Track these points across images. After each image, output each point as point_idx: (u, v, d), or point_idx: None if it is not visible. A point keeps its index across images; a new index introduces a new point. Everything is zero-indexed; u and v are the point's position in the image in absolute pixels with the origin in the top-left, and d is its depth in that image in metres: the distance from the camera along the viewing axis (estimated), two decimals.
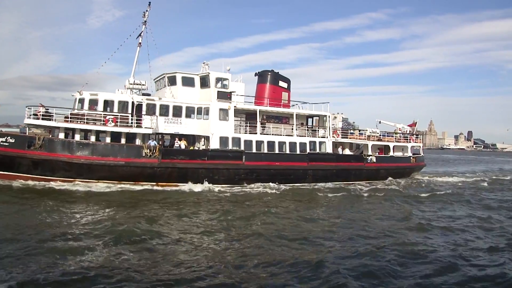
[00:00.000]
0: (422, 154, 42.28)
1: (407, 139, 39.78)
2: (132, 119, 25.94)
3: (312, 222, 18.26)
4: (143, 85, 28.16)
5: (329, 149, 32.58)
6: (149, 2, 30.13)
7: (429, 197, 27.15)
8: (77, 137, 25.53)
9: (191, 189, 24.88)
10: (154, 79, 32.05)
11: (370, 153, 35.02)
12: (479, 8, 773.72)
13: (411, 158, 39.02)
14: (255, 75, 34.37)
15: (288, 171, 29.57)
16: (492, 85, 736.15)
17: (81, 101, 26.48)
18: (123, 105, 26.50)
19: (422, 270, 11.85)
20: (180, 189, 24.95)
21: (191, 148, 28.49)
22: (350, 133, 36.67)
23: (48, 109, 25.84)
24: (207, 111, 28.15)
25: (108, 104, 26.43)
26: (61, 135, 25.62)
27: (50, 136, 26.70)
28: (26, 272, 10.33)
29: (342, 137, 34.52)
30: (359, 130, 38.85)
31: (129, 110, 26.39)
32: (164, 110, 27.47)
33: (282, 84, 33.97)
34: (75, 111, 26.04)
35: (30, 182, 23.75)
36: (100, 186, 24.11)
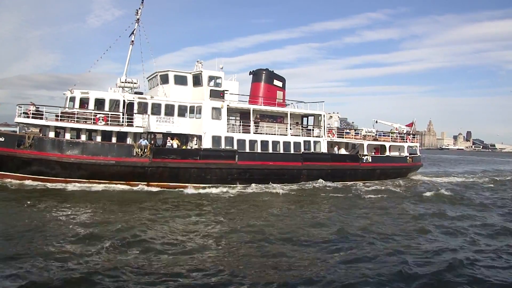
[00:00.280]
0: (419, 154, 41.96)
1: (404, 139, 39.44)
2: (123, 118, 25.59)
3: (310, 223, 18.00)
4: (135, 83, 27.78)
5: (323, 148, 32.23)
6: (142, 0, 29.78)
7: (424, 197, 26.79)
8: (68, 136, 25.18)
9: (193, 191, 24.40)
10: (147, 78, 31.70)
11: (365, 152, 34.69)
12: (479, 8, 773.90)
13: (408, 158, 38.68)
14: (249, 74, 34.05)
15: (282, 171, 29.20)
16: (492, 86, 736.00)
17: (72, 99, 26.17)
18: (114, 103, 26.16)
19: (426, 272, 11.57)
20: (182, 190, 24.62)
21: (184, 147, 28.14)
22: (346, 132, 36.31)
23: (38, 108, 25.51)
24: (199, 110, 27.78)
25: (99, 102, 26.08)
26: (51, 134, 25.24)
27: (41, 135, 26.36)
28: (18, 274, 10.10)
29: (338, 137, 34.19)
30: (355, 130, 38.53)
31: (121, 109, 26.05)
32: (156, 109, 27.13)
33: (277, 83, 33.63)
34: (66, 110, 25.71)
35: (20, 182, 23.40)
36: (90, 186, 23.81)
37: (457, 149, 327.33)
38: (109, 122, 25.08)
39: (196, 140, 28.35)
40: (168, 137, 27.62)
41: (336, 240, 14.87)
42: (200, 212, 19.29)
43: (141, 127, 25.79)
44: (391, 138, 38.34)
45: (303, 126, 34.09)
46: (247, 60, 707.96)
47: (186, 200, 22.01)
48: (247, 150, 28.24)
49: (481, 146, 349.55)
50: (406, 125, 42.71)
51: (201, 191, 24.61)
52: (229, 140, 27.86)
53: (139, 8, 29.92)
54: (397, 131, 40.51)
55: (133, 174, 24.85)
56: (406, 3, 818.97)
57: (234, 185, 26.84)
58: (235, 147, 27.79)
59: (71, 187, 23.43)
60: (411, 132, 41.81)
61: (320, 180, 30.00)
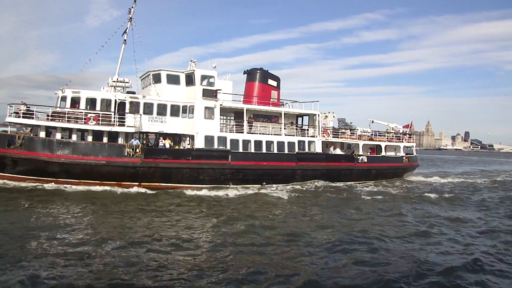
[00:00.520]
0: (415, 154, 41.69)
1: (400, 139, 39.17)
2: (114, 118, 25.28)
3: (309, 224, 17.79)
4: (127, 82, 27.44)
5: (318, 148, 31.95)
6: None
7: (421, 198, 26.58)
8: (59, 135, 24.86)
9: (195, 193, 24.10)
10: (140, 77, 31.38)
11: (361, 152, 34.43)
12: (477, 9, 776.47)
13: (404, 158, 38.41)
14: (244, 73, 33.75)
15: (276, 171, 28.90)
16: (490, 86, 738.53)
17: (64, 99, 25.88)
18: (105, 103, 25.85)
19: (427, 276, 11.33)
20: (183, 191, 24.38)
21: (176, 147, 27.83)
22: (341, 132, 36.03)
23: (29, 107, 25.21)
24: (192, 110, 27.44)
25: (90, 102, 25.77)
26: (42, 134, 24.92)
27: (32, 134, 26.05)
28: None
29: (333, 137, 33.91)
30: (350, 130, 38.26)
31: (112, 108, 25.73)
32: (148, 109, 26.79)
33: (272, 82, 33.33)
34: (58, 109, 25.42)
35: (10, 182, 23.11)
36: (80, 186, 23.48)
37: (455, 149, 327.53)
38: (100, 122, 24.76)
39: (189, 140, 28.03)
40: (161, 137, 27.30)
41: (337, 241, 14.65)
42: (199, 214, 19.05)
43: (132, 126, 25.47)
44: (387, 138, 38.05)
45: (298, 126, 33.74)
46: (245, 60, 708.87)
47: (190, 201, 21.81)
48: (241, 150, 27.92)
49: (479, 147, 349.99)
50: (403, 126, 42.39)
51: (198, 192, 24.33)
52: (222, 140, 27.54)
53: (132, 7, 29.60)
54: (393, 131, 40.23)
55: (124, 174, 24.53)
56: (404, 3, 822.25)
57: (228, 186, 26.57)
58: (228, 147, 27.46)
59: (61, 187, 23.09)
60: (408, 133, 41.47)
61: (317, 181, 29.73)
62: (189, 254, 12.53)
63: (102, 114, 25.02)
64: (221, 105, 28.22)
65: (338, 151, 34.63)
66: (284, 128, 31.01)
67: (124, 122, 25.42)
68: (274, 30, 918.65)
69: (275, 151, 29.51)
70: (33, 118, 24.54)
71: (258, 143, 28.81)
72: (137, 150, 24.59)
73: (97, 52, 29.30)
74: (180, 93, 28.51)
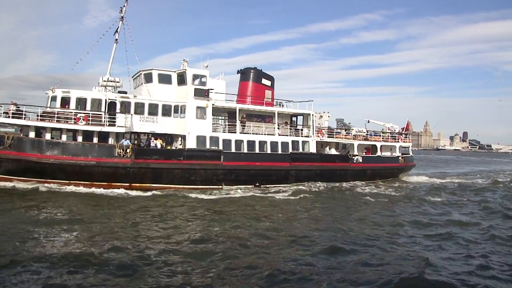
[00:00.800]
0: (411, 154, 41.41)
1: (395, 139, 38.86)
2: (105, 118, 24.93)
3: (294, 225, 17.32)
4: (118, 82, 27.12)
5: (312, 148, 31.62)
6: None
7: (415, 199, 26.30)
8: (48, 136, 24.50)
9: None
10: (132, 77, 31.03)
11: (356, 152, 34.11)
12: (475, 9, 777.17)
13: (400, 158, 38.11)
14: (237, 73, 33.46)
15: (269, 172, 28.56)
16: (488, 86, 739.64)
17: (54, 98, 25.56)
18: (96, 103, 25.51)
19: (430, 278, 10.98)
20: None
21: (168, 147, 27.48)
22: (337, 132, 35.73)
23: (19, 107, 24.86)
24: (183, 109, 27.06)
25: (81, 102, 25.44)
26: (32, 134, 24.56)
27: (21, 135, 25.69)
28: None
29: (328, 137, 33.59)
30: (345, 130, 37.98)
31: (103, 108, 25.39)
32: (139, 108, 26.42)
33: (265, 82, 33.01)
34: (48, 110, 25.08)
35: None
36: (70, 187, 23.13)
37: (454, 149, 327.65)
38: (90, 122, 24.41)
39: (181, 140, 27.64)
40: (152, 137, 26.96)
41: (336, 242, 14.36)
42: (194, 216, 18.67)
43: (123, 126, 25.09)
44: (383, 138, 37.73)
45: (293, 126, 33.39)
46: (243, 61, 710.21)
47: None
48: (233, 150, 27.58)
49: (478, 147, 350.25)
50: (402, 128, 42.06)
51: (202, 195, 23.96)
52: (214, 140, 27.19)
53: (123, 6, 29.30)
54: (389, 131, 39.92)
55: (114, 175, 24.18)
56: (402, 4, 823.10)
57: (220, 186, 26.25)
58: (221, 147, 27.12)
59: (50, 188, 22.74)
60: (404, 133, 41.15)
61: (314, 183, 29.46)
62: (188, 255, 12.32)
63: (92, 114, 24.68)
64: (213, 104, 27.88)
65: (333, 151, 34.34)
66: (278, 128, 30.70)
67: (114, 122, 25.08)
68: (273, 30, 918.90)
69: (269, 151, 29.17)
70: (23, 119, 24.20)
71: (251, 143, 28.47)
72: (128, 151, 24.26)
73: (89, 52, 28.79)
74: (172, 92, 28.15)
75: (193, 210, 19.79)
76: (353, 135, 35.99)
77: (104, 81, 26.89)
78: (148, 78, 28.18)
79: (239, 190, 25.70)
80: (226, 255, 12.44)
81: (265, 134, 29.58)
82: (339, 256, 12.74)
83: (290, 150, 30.01)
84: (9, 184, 22.72)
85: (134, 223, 16.46)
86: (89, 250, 12.14)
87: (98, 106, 25.44)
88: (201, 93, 27.44)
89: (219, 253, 12.54)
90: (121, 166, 24.14)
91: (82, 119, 24.19)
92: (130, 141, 26.09)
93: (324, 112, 37.32)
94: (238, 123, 28.67)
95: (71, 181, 23.65)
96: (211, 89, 28.19)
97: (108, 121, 24.91)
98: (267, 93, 32.97)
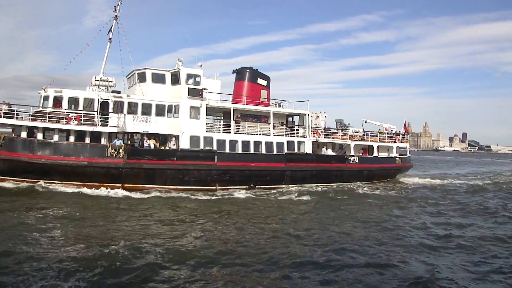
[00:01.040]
0: (408, 154, 41.09)
1: (393, 139, 38.57)
2: (97, 117, 24.65)
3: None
4: (111, 81, 26.85)
5: (308, 149, 31.31)
6: None
7: (409, 200, 26.05)
8: (40, 136, 24.23)
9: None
10: (126, 76, 30.76)
11: (352, 153, 33.82)
12: (474, 10, 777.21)
13: (397, 159, 37.82)
14: (233, 72, 33.20)
15: (264, 172, 28.23)
16: (487, 87, 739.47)
17: (46, 98, 25.31)
18: (88, 102, 25.25)
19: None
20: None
21: (162, 148, 27.19)
22: (333, 132, 35.43)
23: (11, 107, 24.59)
24: (177, 109, 26.75)
25: (73, 101, 25.19)
26: (24, 134, 24.29)
27: (13, 135, 25.42)
28: None
29: (324, 137, 33.28)
30: (342, 130, 37.69)
31: (95, 108, 25.12)
32: (132, 108, 26.15)
33: (261, 81, 32.71)
34: (40, 109, 24.82)
35: None
36: (62, 188, 22.88)
37: (453, 150, 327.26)
38: (82, 122, 24.14)
39: (174, 141, 27.34)
40: (145, 137, 26.68)
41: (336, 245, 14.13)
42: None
43: (115, 126, 24.80)
44: (379, 138, 37.44)
45: (288, 126, 33.07)
46: (243, 61, 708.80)
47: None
48: (227, 150, 27.28)
49: (477, 148, 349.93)
50: (400, 130, 41.73)
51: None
52: (208, 140, 26.88)
53: (117, 5, 29.09)
54: (386, 131, 39.62)
55: (107, 175, 23.91)
56: (401, 5, 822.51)
57: (214, 187, 25.97)
58: (215, 147, 26.84)
59: (39, 188, 22.49)
60: (402, 133, 40.84)
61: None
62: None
63: (84, 113, 24.41)
64: (207, 104, 27.59)
65: (330, 152, 34.06)
66: (273, 128, 30.41)
67: (107, 122, 24.80)
68: (272, 31, 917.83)
69: (264, 152, 28.87)
70: (15, 118, 23.92)
71: (245, 144, 28.16)
72: (120, 151, 23.99)
73: (82, 52, 28.41)
74: (166, 92, 27.86)
75: (183, 212, 19.55)
76: (350, 135, 35.70)
77: (97, 80, 26.62)
78: (142, 78, 27.90)
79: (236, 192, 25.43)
80: (219, 256, 12.29)
81: (260, 134, 29.28)
82: (342, 259, 12.53)
83: (286, 151, 29.71)
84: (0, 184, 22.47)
85: (123, 224, 16.21)
86: (81, 250, 11.98)
87: (91, 106, 25.18)
88: (195, 93, 27.16)
89: (210, 254, 12.36)
90: (113, 166, 23.87)
91: (74, 118, 23.93)
92: (123, 141, 25.81)
93: (320, 112, 37.07)
94: (232, 123, 28.37)
95: (63, 182, 23.44)
96: (205, 89, 27.92)
97: (101, 121, 24.64)
98: (263, 93, 32.68)
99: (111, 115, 25.15)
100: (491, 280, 11.38)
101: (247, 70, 32.42)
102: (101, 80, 26.55)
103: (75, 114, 24.06)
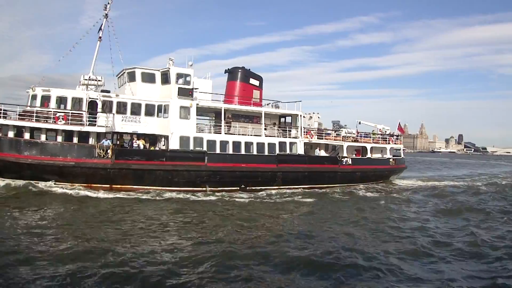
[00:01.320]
0: (402, 156, 40.83)
1: (386, 140, 38.30)
2: (85, 117, 24.28)
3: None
4: (99, 80, 26.47)
5: (300, 150, 30.98)
6: None
7: (404, 202, 25.78)
8: (27, 135, 23.83)
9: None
10: (116, 75, 30.38)
11: (345, 154, 33.54)
12: (470, 13, 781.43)
13: (390, 160, 37.55)
14: (225, 72, 32.86)
15: (255, 174, 27.87)
16: (483, 89, 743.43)
17: (34, 97, 24.95)
18: (76, 101, 24.87)
19: None
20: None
21: (152, 148, 26.83)
22: (326, 134, 35.14)
23: None
24: (167, 109, 26.37)
25: (61, 100, 24.84)
26: (11, 134, 23.89)
27: (0, 134, 25.01)
28: None
29: (317, 138, 32.98)
30: (335, 131, 37.42)
31: (84, 107, 24.75)
32: (121, 108, 25.75)
33: (253, 81, 32.39)
34: (27, 108, 24.44)
35: None
36: (48, 188, 22.52)
37: (449, 152, 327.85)
38: (69, 121, 23.76)
39: (164, 141, 26.98)
40: (135, 137, 26.31)
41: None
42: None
43: (104, 126, 24.43)
44: (373, 140, 37.17)
45: (281, 127, 32.74)
46: (240, 62, 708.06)
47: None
48: (218, 151, 26.93)
49: (473, 149, 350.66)
50: (397, 129, 41.50)
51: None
52: (198, 140, 26.50)
53: (108, 3, 28.72)
54: (380, 133, 39.35)
55: (94, 176, 23.57)
56: (398, 7, 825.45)
57: (204, 188, 25.64)
58: (205, 148, 26.48)
59: (25, 188, 22.10)
60: (396, 134, 40.58)
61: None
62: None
63: (72, 113, 24.04)
64: (197, 104, 27.23)
65: (322, 153, 33.77)
66: (265, 129, 30.08)
67: (95, 121, 24.43)
68: (269, 32, 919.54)
69: (255, 153, 28.52)
70: (2, 118, 23.52)
71: (236, 144, 27.81)
72: (108, 151, 23.64)
73: (71, 50, 28.14)
74: (156, 92, 27.45)
75: (172, 213, 19.26)
76: (343, 136, 35.39)
77: (86, 79, 26.25)
78: (132, 77, 27.53)
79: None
80: (214, 256, 12.14)
81: (251, 135, 28.95)
82: (339, 259, 12.33)
83: (277, 152, 29.39)
84: None
85: (110, 226, 15.91)
86: (68, 252, 11.81)
87: (79, 105, 24.81)
88: (185, 93, 26.80)
89: (205, 255, 12.29)
90: (101, 167, 23.52)
91: (62, 118, 23.55)
92: (112, 141, 25.45)
93: (314, 113, 36.83)
94: (223, 123, 28.03)
95: (50, 182, 23.05)
96: (195, 89, 27.56)
97: (89, 121, 24.26)
98: (255, 93, 32.35)
99: (99, 114, 24.79)
100: (488, 280, 11.26)
101: (239, 70, 32.09)
102: (89, 79, 26.18)
103: (62, 114, 23.68)
